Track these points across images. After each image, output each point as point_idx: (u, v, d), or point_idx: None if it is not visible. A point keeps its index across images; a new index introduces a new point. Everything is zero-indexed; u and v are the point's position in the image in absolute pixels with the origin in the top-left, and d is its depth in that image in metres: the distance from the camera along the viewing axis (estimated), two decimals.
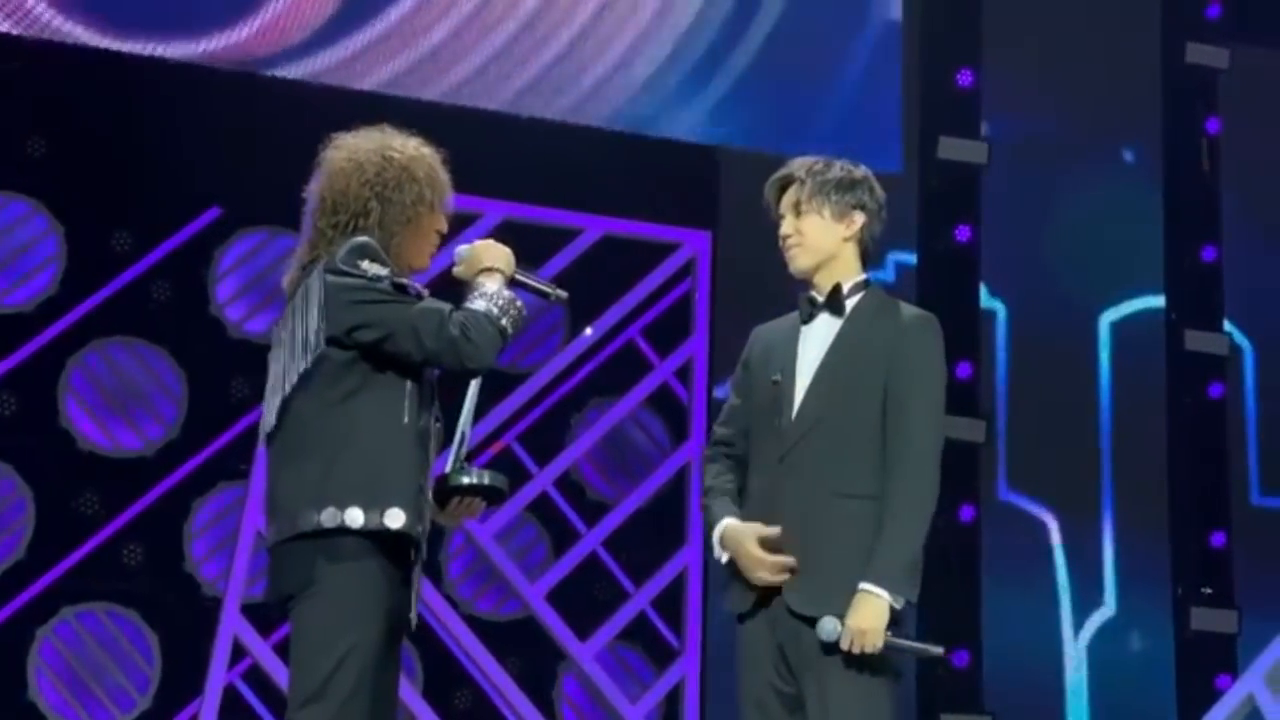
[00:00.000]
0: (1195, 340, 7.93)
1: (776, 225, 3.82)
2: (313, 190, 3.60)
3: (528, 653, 7.04)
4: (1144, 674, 7.82)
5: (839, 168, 3.81)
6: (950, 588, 7.24)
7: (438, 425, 3.57)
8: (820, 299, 3.77)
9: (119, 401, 6.78)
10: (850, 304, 3.76)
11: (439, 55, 6.94)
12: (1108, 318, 8.26)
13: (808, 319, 3.78)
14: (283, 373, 3.47)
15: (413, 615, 3.49)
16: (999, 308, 8.10)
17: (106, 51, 6.61)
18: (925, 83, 7.78)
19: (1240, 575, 7.79)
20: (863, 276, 3.80)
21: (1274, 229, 8.31)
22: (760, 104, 7.32)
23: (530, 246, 6.75)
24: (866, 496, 3.64)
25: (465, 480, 3.56)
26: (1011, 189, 7.87)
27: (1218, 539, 7.79)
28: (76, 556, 6.61)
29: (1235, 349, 8.19)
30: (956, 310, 7.53)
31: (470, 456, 3.64)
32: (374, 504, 3.38)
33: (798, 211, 3.77)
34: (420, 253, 3.59)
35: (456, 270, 3.60)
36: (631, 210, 7.26)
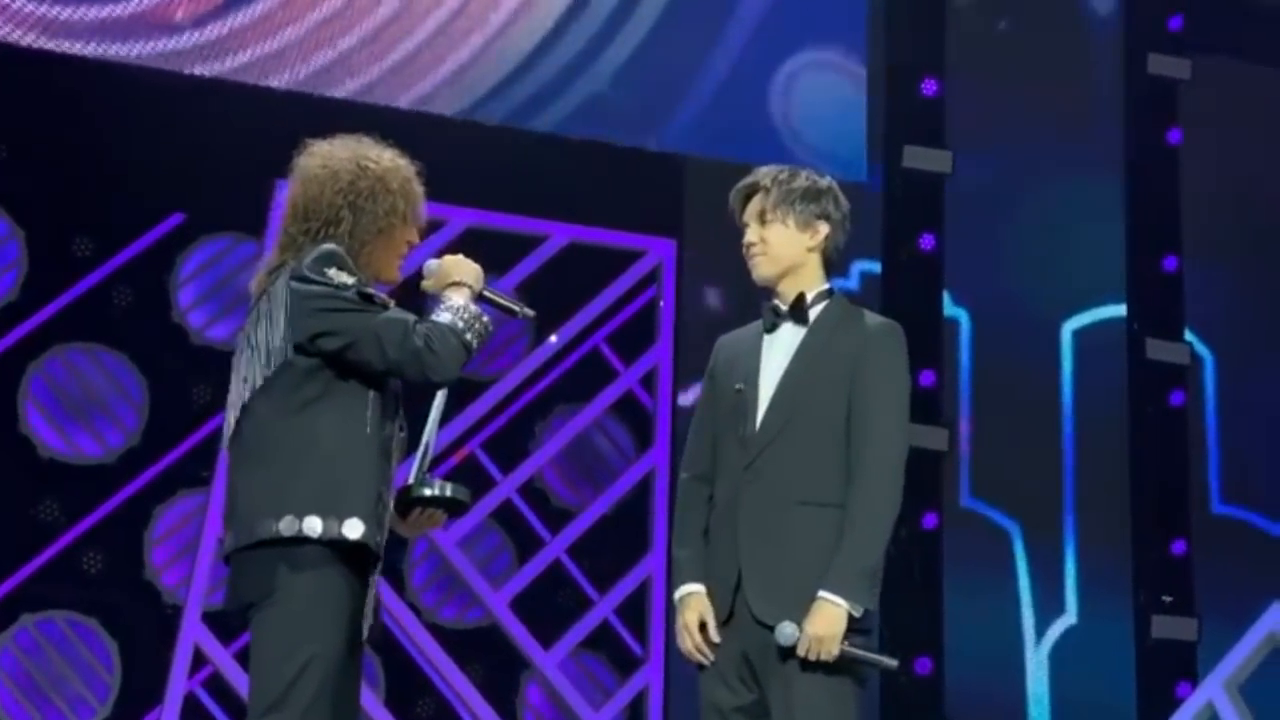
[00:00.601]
0: (1157, 349, 7.97)
1: (741, 233, 3.83)
2: (285, 195, 3.59)
3: (491, 660, 7.03)
4: (1105, 681, 7.85)
5: (804, 177, 3.82)
6: (912, 595, 7.26)
7: (402, 435, 3.56)
8: (784, 308, 3.78)
9: (80, 408, 6.74)
10: (814, 313, 3.77)
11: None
12: (1070, 326, 8.29)
13: (771, 328, 3.79)
14: (245, 378, 3.46)
15: (368, 624, 3.47)
16: (962, 316, 8.12)
17: (69, 56, 6.57)
18: (890, 92, 7.80)
19: (1200, 583, 7.83)
20: (826, 285, 3.81)
21: (1235, 239, 8.36)
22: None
23: (495, 253, 6.79)
24: (830, 505, 3.65)
25: (427, 492, 3.55)
26: (975, 198, 7.90)
27: (1178, 547, 7.83)
28: (36, 564, 6.57)
29: (1196, 358, 8.23)
30: (920, 318, 7.55)
31: (433, 466, 3.63)
32: (333, 513, 3.37)
33: (762, 220, 3.78)
34: (389, 264, 3.59)
35: (425, 284, 3.59)
36: (597, 217, 7.27)
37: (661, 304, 7.32)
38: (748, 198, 3.83)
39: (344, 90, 6.84)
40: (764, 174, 3.83)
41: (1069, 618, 8.03)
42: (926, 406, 7.39)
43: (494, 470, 7.08)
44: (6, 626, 6.51)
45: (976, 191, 7.89)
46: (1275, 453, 7.65)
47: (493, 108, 7.05)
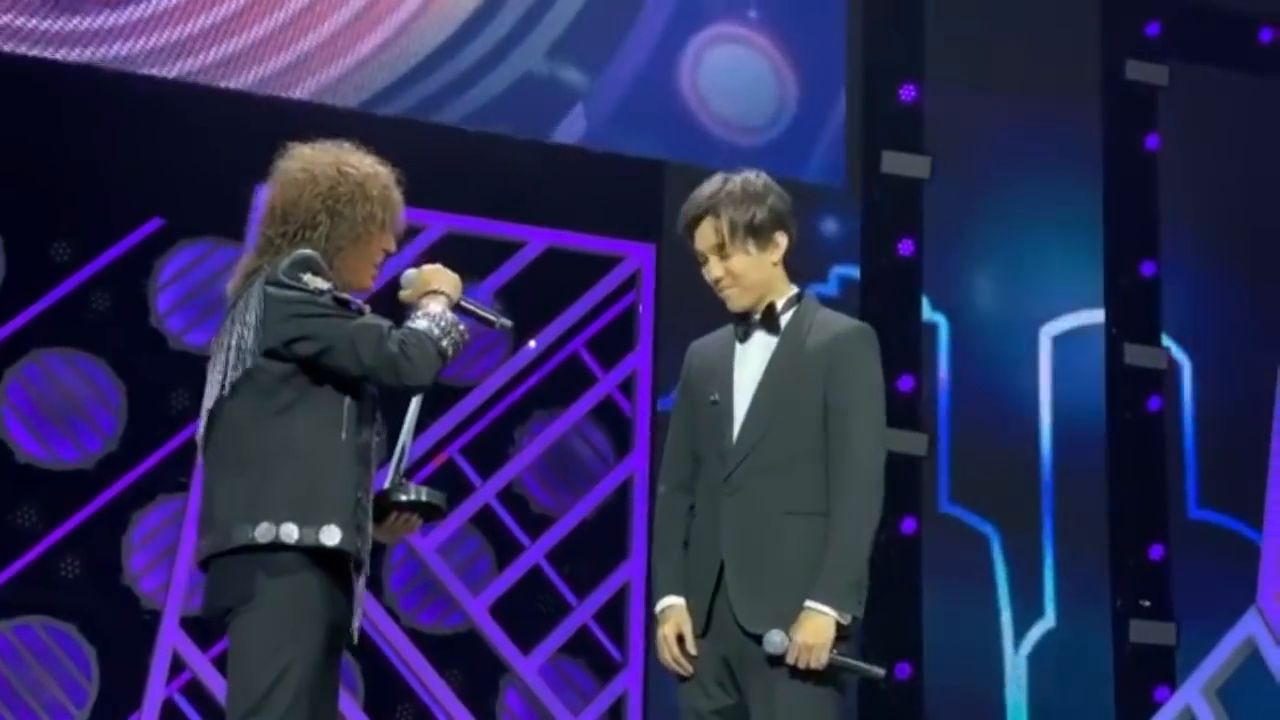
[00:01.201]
0: (1135, 354, 8.00)
1: (693, 256, 3.77)
2: (264, 198, 3.59)
3: (470, 666, 7.02)
4: (1084, 686, 7.87)
5: (744, 186, 3.73)
6: (891, 600, 7.26)
7: (379, 439, 3.56)
8: (756, 318, 3.77)
9: (57, 413, 6.72)
10: (785, 320, 3.76)
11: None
12: (1048, 331, 8.31)
13: (744, 338, 3.77)
14: (219, 383, 3.45)
15: (355, 629, 3.48)
16: (941, 321, 8.14)
17: (47, 61, 6.56)
18: (868, 97, 7.82)
19: (1178, 588, 7.85)
20: (794, 290, 3.79)
21: (1212, 244, 8.39)
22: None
23: (474, 258, 6.80)
24: (812, 513, 3.65)
25: (403, 497, 3.55)
26: (954, 203, 7.92)
27: (1156, 552, 7.85)
28: (13, 569, 6.55)
29: (1174, 363, 8.26)
30: (899, 323, 7.58)
31: (410, 472, 3.63)
32: (309, 520, 3.37)
33: (722, 253, 3.72)
34: (364, 271, 3.58)
35: (403, 294, 3.58)
36: (576, 223, 7.27)
37: (640, 309, 7.32)
38: (695, 224, 3.75)
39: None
40: (705, 198, 3.74)
41: (1047, 622, 8.05)
42: (905, 412, 7.41)
43: (473, 475, 7.08)
44: None
45: (955, 197, 7.91)
46: (1253, 457, 7.67)
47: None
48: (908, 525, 7.50)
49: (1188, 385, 8.38)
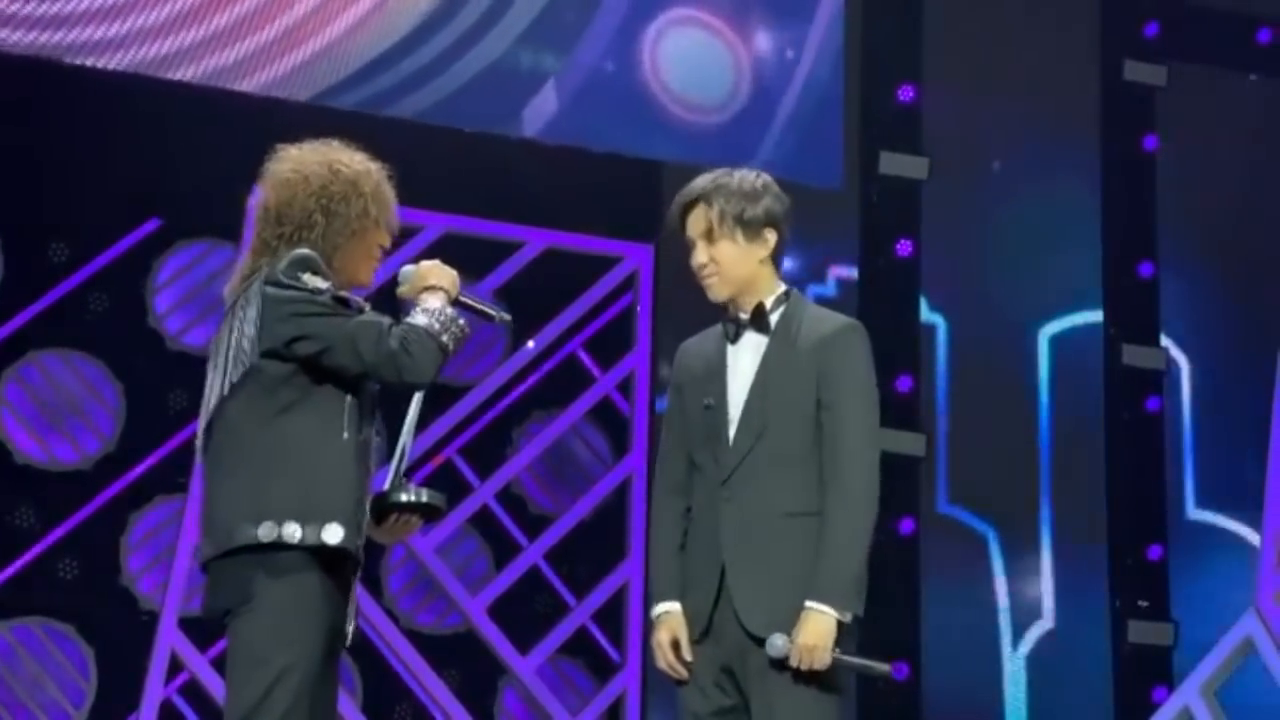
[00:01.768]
0: (1133, 355, 8.01)
1: (685, 247, 3.78)
2: (257, 201, 3.59)
3: (468, 666, 7.01)
4: (1082, 686, 7.87)
5: (741, 181, 3.74)
6: (890, 601, 7.26)
7: (378, 439, 3.56)
8: (745, 318, 3.76)
9: (55, 414, 6.72)
10: (774, 319, 3.75)
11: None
12: (1047, 332, 8.32)
13: (734, 338, 3.77)
14: (219, 384, 3.46)
15: (349, 629, 3.48)
16: (939, 322, 8.14)
17: (46, 61, 6.55)
18: (866, 98, 7.82)
19: (1177, 588, 7.86)
20: (782, 289, 3.78)
21: (1211, 245, 8.39)
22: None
23: (472, 259, 6.79)
24: (809, 513, 3.65)
25: (403, 497, 3.55)
26: (952, 204, 7.92)
27: (1154, 552, 7.85)
28: (11, 570, 6.55)
29: (1172, 363, 8.27)
30: (897, 324, 7.58)
31: (410, 472, 3.63)
32: (312, 519, 3.37)
33: (710, 239, 3.73)
34: (362, 267, 3.59)
35: (400, 290, 3.59)
36: (574, 223, 7.26)
37: (638, 310, 7.32)
38: (686, 211, 3.76)
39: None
40: (700, 187, 3.75)
41: (1046, 623, 8.05)
42: (903, 412, 7.41)
43: (471, 476, 7.08)
44: None
45: (953, 198, 7.91)
46: (1251, 458, 7.68)
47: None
48: (906, 526, 7.50)
49: (1186, 386, 8.38)
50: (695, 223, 3.75)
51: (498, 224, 7.14)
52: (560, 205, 7.23)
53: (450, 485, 6.83)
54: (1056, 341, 8.31)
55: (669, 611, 3.72)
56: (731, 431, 3.69)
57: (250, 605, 3.35)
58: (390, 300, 3.61)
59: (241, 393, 3.43)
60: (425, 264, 3.61)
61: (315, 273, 3.45)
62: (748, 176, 3.77)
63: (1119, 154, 8.20)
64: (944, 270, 7.97)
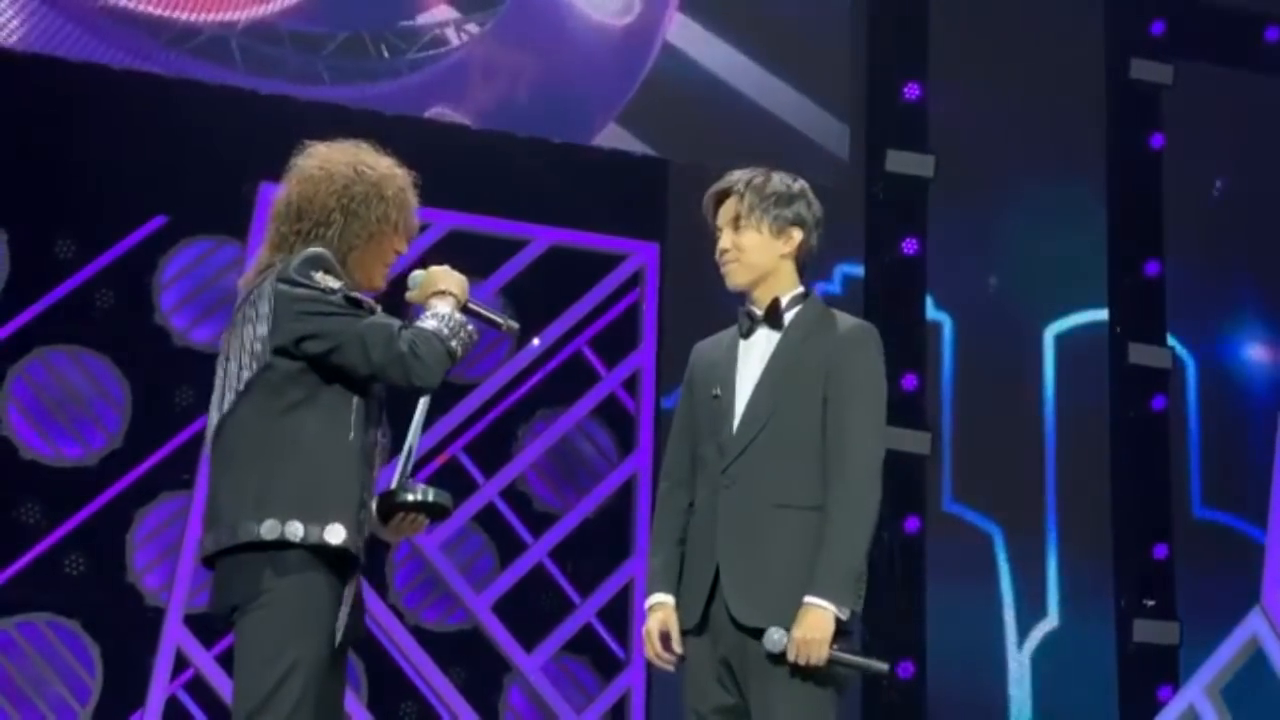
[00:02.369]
0: (1139, 353, 8.00)
1: (714, 236, 3.82)
2: (279, 194, 3.59)
3: (473, 663, 7.02)
4: (1087, 685, 7.87)
5: (778, 181, 3.80)
6: (895, 599, 7.27)
7: (385, 440, 3.56)
8: (759, 313, 3.78)
9: (61, 410, 6.72)
10: (789, 317, 3.77)
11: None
12: (1052, 331, 8.32)
13: (747, 333, 3.78)
14: (228, 379, 3.46)
15: (352, 627, 3.47)
16: (945, 320, 8.14)
17: (51, 58, 6.56)
18: (873, 96, 7.82)
19: (1182, 587, 7.85)
20: (800, 289, 3.80)
21: (1216, 244, 8.39)
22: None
23: (479, 257, 6.80)
24: (810, 508, 3.65)
25: (410, 497, 3.54)
26: (958, 202, 7.92)
27: (1160, 551, 7.85)
28: (17, 566, 6.55)
29: (1178, 362, 8.26)
30: (903, 322, 7.58)
31: (415, 470, 3.62)
32: (315, 518, 3.37)
33: (736, 226, 3.77)
34: (375, 271, 3.58)
35: (410, 295, 3.59)
36: (580, 221, 7.27)
37: (644, 308, 7.32)
38: (720, 201, 3.82)
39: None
40: (736, 178, 3.81)
41: (1051, 621, 8.05)
42: (909, 410, 7.41)
43: (476, 473, 7.08)
44: None
45: (959, 196, 7.91)
46: (1256, 457, 7.68)
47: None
48: (911, 524, 7.49)
49: (1192, 384, 8.38)
50: (726, 211, 3.80)
51: (503, 221, 7.15)
52: (566, 203, 7.23)
53: (455, 482, 6.83)
54: (1062, 340, 8.31)
55: (661, 602, 3.73)
56: (736, 421, 3.70)
57: (258, 602, 3.35)
58: (399, 301, 3.61)
59: (251, 390, 3.43)
60: (435, 269, 3.60)
61: (328, 272, 3.44)
62: (785, 178, 3.82)
63: (1125, 152, 8.19)
64: (950, 268, 7.97)
